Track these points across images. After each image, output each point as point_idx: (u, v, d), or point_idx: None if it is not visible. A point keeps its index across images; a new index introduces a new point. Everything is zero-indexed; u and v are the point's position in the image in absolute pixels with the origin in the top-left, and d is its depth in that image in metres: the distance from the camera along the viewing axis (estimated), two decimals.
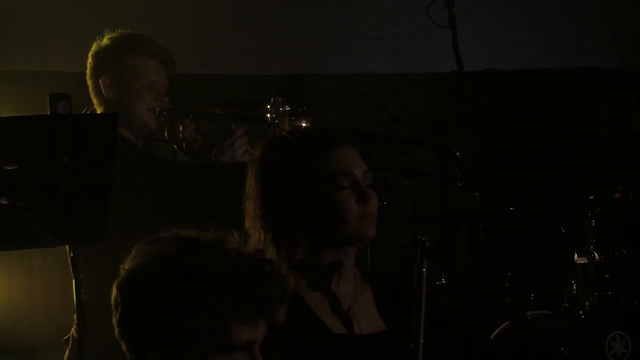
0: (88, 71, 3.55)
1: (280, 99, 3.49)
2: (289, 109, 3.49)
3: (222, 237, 1.94)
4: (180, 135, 3.56)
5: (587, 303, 4.29)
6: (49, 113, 2.97)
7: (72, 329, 3.49)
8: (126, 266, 1.92)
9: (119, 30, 3.56)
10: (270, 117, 3.50)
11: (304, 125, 3.50)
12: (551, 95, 5.54)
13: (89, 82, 3.55)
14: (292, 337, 2.35)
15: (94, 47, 3.54)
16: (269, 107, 3.49)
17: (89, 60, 3.54)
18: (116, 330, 1.93)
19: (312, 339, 2.41)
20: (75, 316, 3.48)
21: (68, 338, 3.52)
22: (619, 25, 5.60)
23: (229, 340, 1.87)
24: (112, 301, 1.92)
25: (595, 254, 4.32)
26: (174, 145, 3.59)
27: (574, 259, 4.36)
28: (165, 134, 3.57)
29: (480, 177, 4.61)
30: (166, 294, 1.86)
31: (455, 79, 4.73)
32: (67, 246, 2.94)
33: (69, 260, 2.97)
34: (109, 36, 3.55)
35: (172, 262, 1.88)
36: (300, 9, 5.29)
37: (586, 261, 4.33)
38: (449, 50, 4.67)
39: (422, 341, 2.40)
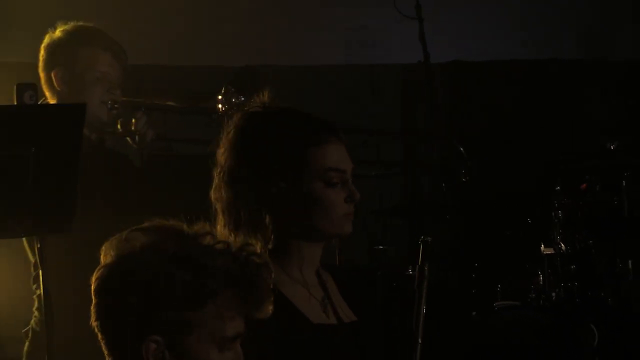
0: (40, 63, 3.54)
1: (233, 90, 3.46)
2: (243, 99, 3.44)
3: (209, 229, 1.92)
4: (132, 128, 3.52)
5: (553, 294, 4.32)
6: (15, 103, 2.94)
7: (32, 321, 3.47)
8: (112, 253, 1.87)
9: (72, 22, 3.54)
10: (223, 108, 3.45)
11: None
12: (518, 86, 5.57)
13: (41, 74, 3.53)
14: (270, 328, 2.33)
15: (46, 39, 3.53)
16: (220, 97, 3.45)
17: (41, 52, 3.53)
18: (95, 318, 1.87)
19: (291, 330, 2.38)
20: (34, 308, 3.46)
21: (27, 330, 3.49)
22: (582, 17, 5.65)
23: (224, 332, 1.86)
24: (95, 288, 1.87)
25: (562, 245, 4.34)
26: (127, 138, 3.55)
27: (540, 249, 4.39)
28: (118, 126, 3.54)
29: (449, 167, 4.61)
30: (166, 283, 1.83)
31: (422, 69, 4.73)
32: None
33: (36, 252, 2.94)
34: (61, 28, 3.53)
35: (170, 252, 1.85)
36: None
37: (553, 252, 4.35)
38: (417, 41, 4.67)
39: (420, 342, 2.38)
